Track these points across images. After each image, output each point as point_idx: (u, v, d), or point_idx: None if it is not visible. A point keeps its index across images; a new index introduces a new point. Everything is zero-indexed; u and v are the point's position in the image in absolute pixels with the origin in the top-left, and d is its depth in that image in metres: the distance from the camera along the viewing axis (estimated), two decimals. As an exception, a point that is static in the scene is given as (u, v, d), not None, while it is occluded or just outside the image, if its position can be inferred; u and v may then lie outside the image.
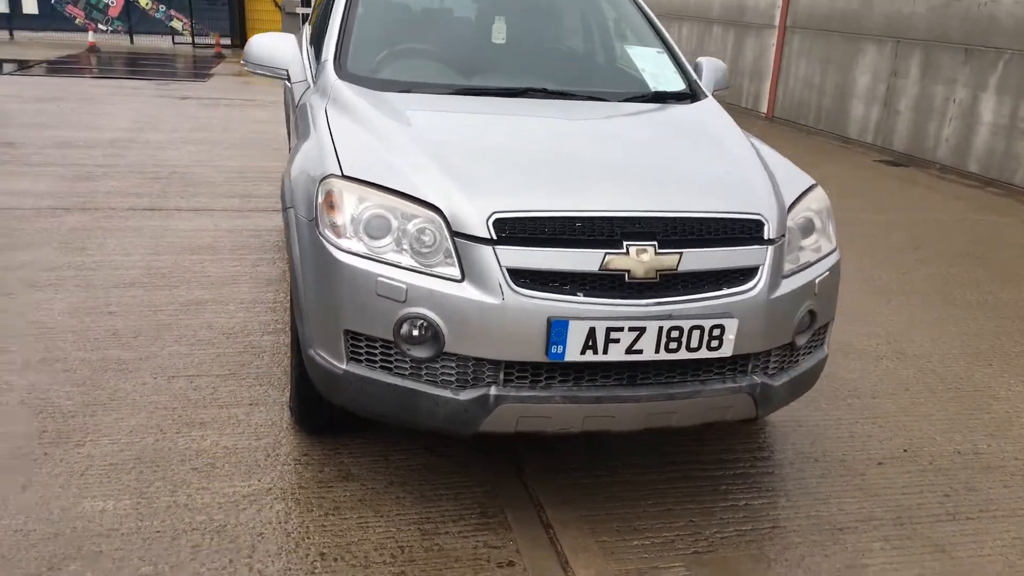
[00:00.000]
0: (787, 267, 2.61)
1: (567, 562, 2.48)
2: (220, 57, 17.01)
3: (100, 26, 18.49)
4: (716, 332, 2.40)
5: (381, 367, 2.45)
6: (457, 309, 2.32)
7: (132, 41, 18.63)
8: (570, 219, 2.37)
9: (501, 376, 2.36)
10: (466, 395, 2.36)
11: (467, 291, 2.32)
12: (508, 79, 3.42)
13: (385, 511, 2.66)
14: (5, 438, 2.91)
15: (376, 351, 2.44)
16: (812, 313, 2.65)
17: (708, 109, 3.40)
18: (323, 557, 2.43)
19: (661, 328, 2.35)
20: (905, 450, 3.24)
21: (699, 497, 2.85)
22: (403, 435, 3.03)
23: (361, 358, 2.46)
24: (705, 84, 3.76)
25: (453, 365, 2.38)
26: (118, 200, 5.94)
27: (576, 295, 2.33)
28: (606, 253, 2.35)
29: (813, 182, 2.91)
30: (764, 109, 12.53)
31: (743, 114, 12.69)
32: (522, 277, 2.32)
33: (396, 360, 2.42)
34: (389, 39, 3.57)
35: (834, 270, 2.77)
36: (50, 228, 5.21)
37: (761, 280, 2.49)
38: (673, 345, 2.38)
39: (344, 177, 2.51)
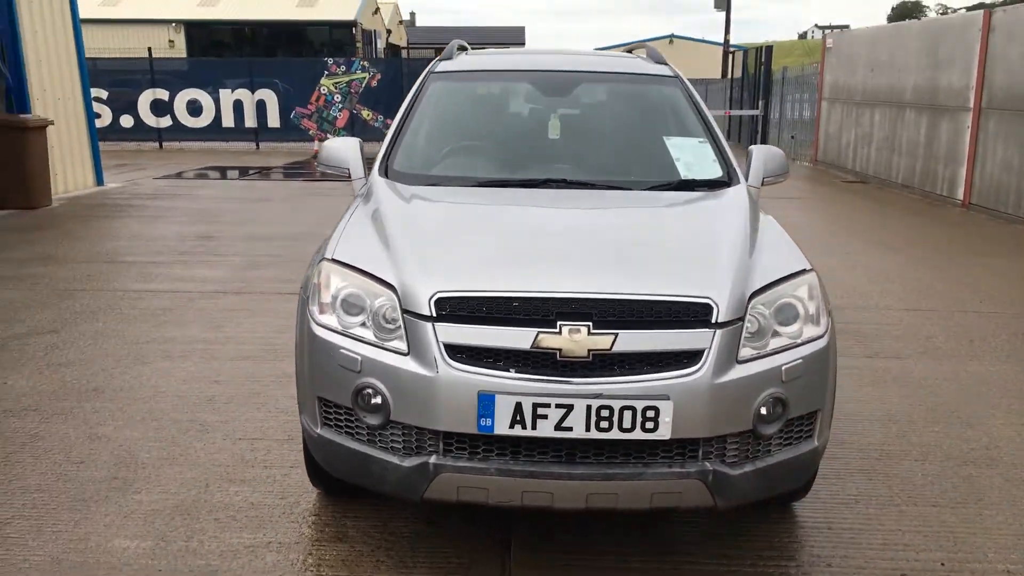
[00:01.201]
0: (748, 352, 2.55)
1: (507, 638, 2.51)
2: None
3: (328, 136, 20.80)
4: (650, 414, 2.40)
5: (345, 432, 2.67)
6: (400, 380, 2.51)
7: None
8: (506, 299, 2.50)
9: (440, 446, 2.50)
10: (409, 462, 2.52)
11: (409, 364, 2.50)
12: (535, 172, 3.61)
13: (358, 571, 2.83)
14: (85, 481, 3.42)
15: (341, 417, 2.67)
16: (780, 401, 2.55)
17: (728, 195, 3.39)
18: (284, 607, 2.64)
19: (590, 407, 2.39)
20: (943, 564, 2.94)
21: (677, 589, 2.76)
22: (406, 505, 3.19)
23: (331, 423, 2.71)
24: (753, 172, 3.75)
25: (399, 433, 2.55)
26: (271, 285, 6.69)
27: (508, 371, 2.44)
28: (539, 332, 2.45)
29: (805, 267, 2.82)
30: (960, 196, 11.65)
31: (937, 202, 11.88)
32: (458, 352, 2.47)
33: (355, 426, 2.63)
34: (439, 136, 3.91)
35: (818, 357, 2.66)
36: (205, 308, 5.99)
37: (705, 364, 2.46)
38: (604, 424, 2.41)
39: (333, 260, 2.82)
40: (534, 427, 2.41)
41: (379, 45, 43.61)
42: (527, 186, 3.47)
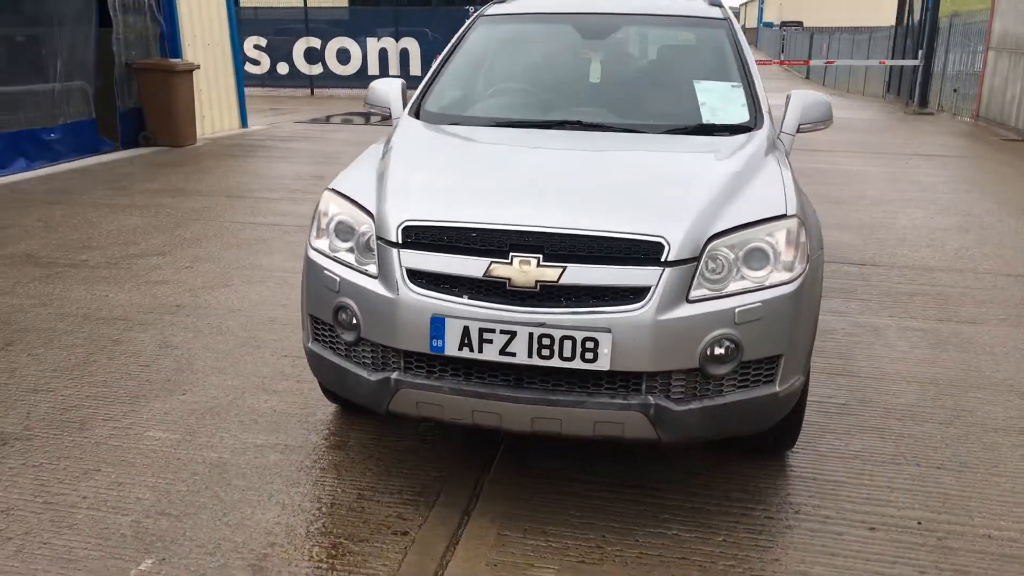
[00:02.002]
0: (702, 292, 2.58)
1: (455, 544, 2.71)
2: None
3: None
4: (589, 345, 2.50)
5: (329, 347, 2.93)
6: (368, 301, 2.72)
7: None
8: (465, 229, 2.65)
9: (402, 363, 2.70)
10: (375, 376, 2.74)
11: (376, 287, 2.71)
12: (556, 113, 3.69)
13: (346, 475, 3.10)
14: (144, 381, 3.87)
15: (326, 333, 2.92)
16: (732, 342, 2.57)
17: (739, 140, 3.34)
18: (270, 497, 2.95)
19: (532, 334, 2.52)
20: (919, 523, 2.87)
21: (631, 520, 2.85)
22: (411, 423, 3.43)
23: (319, 338, 2.97)
24: (788, 119, 3.67)
25: (369, 350, 2.78)
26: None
27: (461, 297, 2.60)
28: (492, 262, 2.58)
29: (784, 212, 2.78)
30: None
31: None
32: (419, 277, 2.65)
33: (335, 342, 2.88)
34: (474, 77, 4.04)
35: (781, 302, 2.64)
36: (294, 241, 6.44)
37: (650, 300, 2.52)
38: (545, 352, 2.53)
39: (332, 190, 3.05)
40: (480, 351, 2.56)
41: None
42: (544, 127, 3.56)
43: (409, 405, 2.72)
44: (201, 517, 2.83)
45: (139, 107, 10.93)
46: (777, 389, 2.72)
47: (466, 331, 2.56)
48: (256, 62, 21.63)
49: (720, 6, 4.22)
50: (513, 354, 2.55)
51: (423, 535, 2.75)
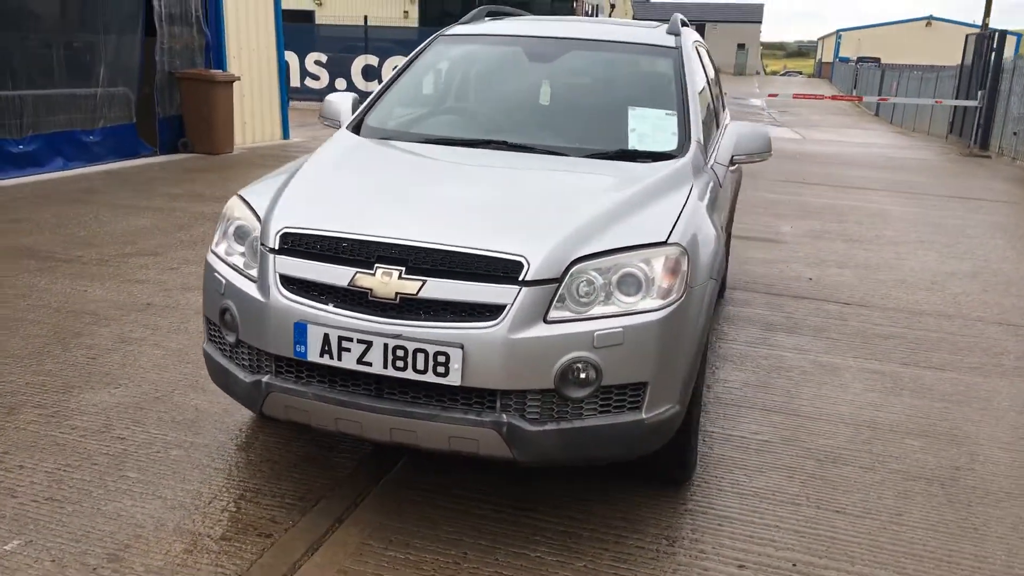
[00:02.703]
0: (563, 313, 2.58)
1: (314, 549, 2.75)
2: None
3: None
4: (441, 359, 2.52)
5: (217, 347, 3.01)
6: (245, 304, 2.80)
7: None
8: (336, 239, 2.70)
9: (273, 367, 2.77)
10: (250, 379, 2.81)
11: (253, 290, 2.79)
12: (485, 133, 3.72)
13: (236, 476, 3.17)
14: (86, 373, 4.02)
15: (215, 334, 3.01)
16: (591, 366, 2.56)
17: (659, 166, 3.32)
18: (156, 491, 3.03)
19: (387, 345, 2.56)
20: (794, 564, 2.80)
21: (501, 539, 2.85)
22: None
23: (211, 338, 3.06)
24: (721, 149, 3.65)
25: (246, 352, 2.85)
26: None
27: (326, 305, 2.65)
28: (357, 272, 2.63)
29: (662, 240, 2.76)
30: None
31: None
32: (290, 283, 2.72)
33: (221, 342, 2.96)
34: (418, 95, 4.11)
35: (645, 329, 2.62)
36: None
37: (505, 319, 2.53)
38: (399, 364, 2.56)
39: (239, 196, 3.15)
40: (339, 358, 2.61)
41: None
42: (470, 145, 3.59)
43: (279, 409, 2.77)
44: (83, 505, 2.93)
45: (180, 114, 11.33)
46: (643, 417, 2.69)
47: (326, 338, 2.61)
48: (316, 77, 22.23)
49: (677, 34, 4.21)
50: (370, 364, 2.59)
51: (286, 539, 2.80)
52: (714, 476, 3.35)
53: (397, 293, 2.58)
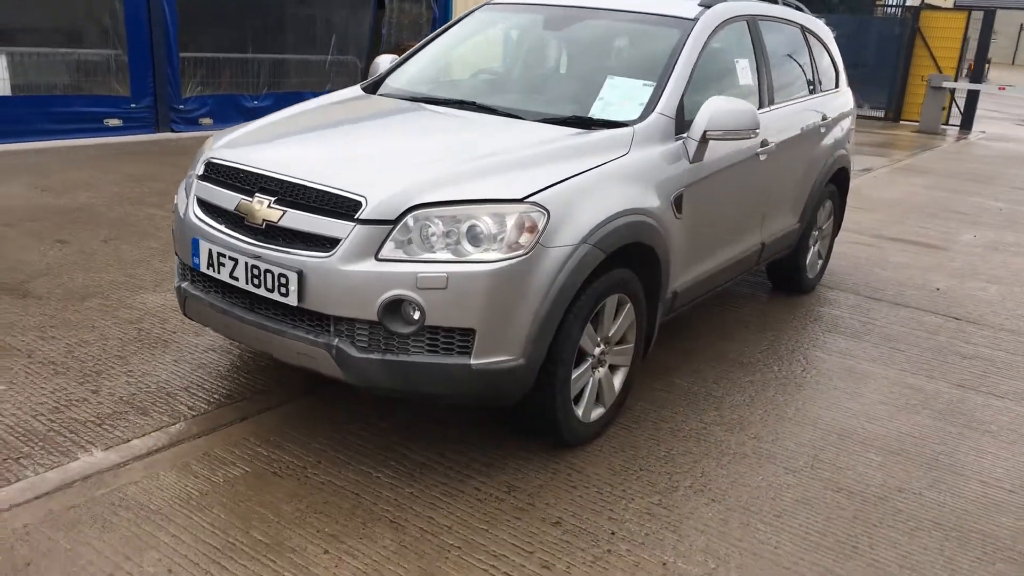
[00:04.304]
0: (396, 253, 2.77)
1: (204, 434, 3.21)
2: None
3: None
4: (283, 280, 2.85)
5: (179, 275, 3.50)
6: (176, 221, 3.31)
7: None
8: (235, 169, 3.11)
9: (190, 276, 3.25)
10: (177, 284, 3.32)
11: (181, 210, 3.28)
12: (463, 94, 3.89)
13: (193, 370, 3.72)
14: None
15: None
16: (414, 304, 2.74)
17: (599, 134, 3.34)
18: (129, 375, 3.67)
19: (247, 263, 2.93)
20: (613, 533, 2.79)
21: (358, 456, 3.12)
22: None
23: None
24: (695, 124, 3.56)
25: (178, 263, 3.36)
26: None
27: (217, 224, 3.08)
28: (241, 198, 3.02)
29: (518, 197, 2.84)
30: None
31: None
32: (202, 205, 3.18)
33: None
34: (437, 59, 4.37)
35: (473, 278, 2.73)
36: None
37: (338, 251, 2.78)
38: (256, 281, 2.92)
39: (212, 137, 3.65)
40: (218, 272, 3.03)
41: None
42: (440, 104, 3.82)
43: (194, 313, 3.26)
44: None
45: (401, 82, 12.40)
46: (471, 362, 2.81)
47: (210, 253, 3.04)
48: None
49: (708, 7, 4.07)
50: (237, 279, 2.98)
51: (190, 421, 3.29)
52: (601, 444, 3.34)
53: (264, 220, 2.94)
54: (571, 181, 3.01)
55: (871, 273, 6.20)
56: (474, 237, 2.80)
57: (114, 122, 9.40)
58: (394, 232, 2.78)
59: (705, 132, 3.54)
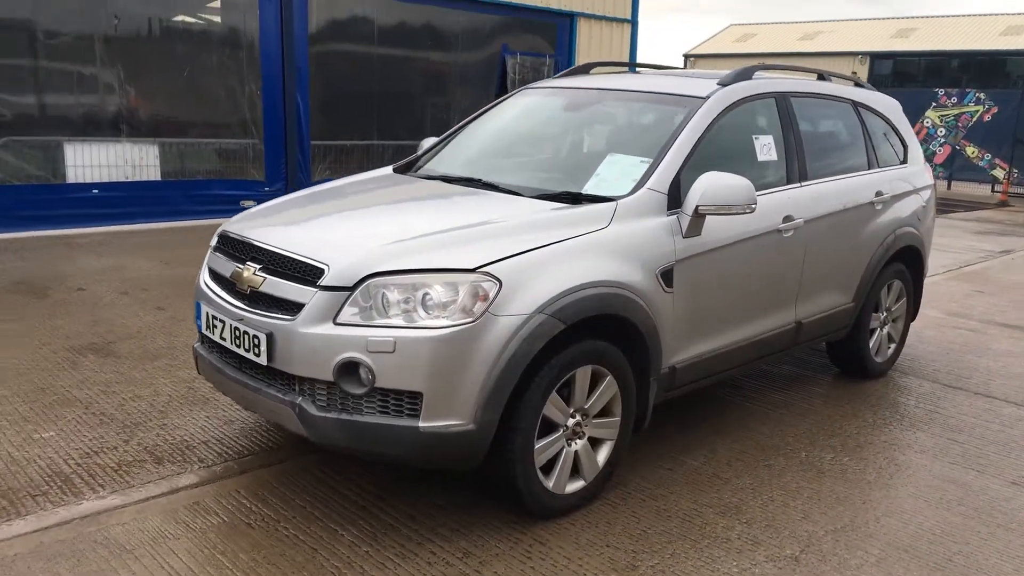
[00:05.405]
0: (354, 318, 2.95)
1: (204, 483, 3.46)
2: (1003, 205, 16.24)
3: (923, 172, 19.44)
4: (256, 341, 3.09)
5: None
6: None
7: (949, 187, 19.06)
8: (236, 240, 3.42)
9: (200, 337, 3.57)
10: (194, 345, 3.65)
11: (199, 278, 3.63)
12: (471, 172, 4.06)
13: (216, 426, 4.02)
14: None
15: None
16: (366, 367, 2.89)
17: (563, 208, 3.40)
18: (166, 426, 4.02)
19: (232, 326, 3.20)
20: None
21: (330, 515, 3.26)
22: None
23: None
24: (688, 198, 3.57)
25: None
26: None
27: (216, 289, 3.39)
28: (236, 266, 3.32)
29: (470, 267, 2.95)
30: None
31: None
32: (210, 272, 3.51)
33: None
34: (465, 140, 4.60)
35: (417, 344, 2.84)
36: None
37: (301, 315, 2.99)
38: (237, 342, 3.18)
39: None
40: (212, 332, 3.32)
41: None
42: (450, 182, 4.02)
43: (203, 371, 3.56)
44: (113, 422, 4.02)
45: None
46: (419, 424, 2.92)
47: (207, 316, 3.35)
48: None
49: (726, 85, 4.09)
50: (225, 339, 3.25)
51: (197, 471, 3.55)
52: (576, 518, 3.31)
53: (249, 286, 3.21)
54: (533, 253, 3.10)
55: (961, 360, 5.76)
56: (428, 304, 2.94)
57: (249, 203, 10.28)
58: (352, 297, 2.97)
59: (697, 207, 3.53)
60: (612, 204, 3.46)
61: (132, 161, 9.44)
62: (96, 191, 9.17)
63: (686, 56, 47.34)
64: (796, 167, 4.34)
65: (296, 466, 3.67)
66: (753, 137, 4.15)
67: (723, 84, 4.11)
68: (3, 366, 4.69)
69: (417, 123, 12.13)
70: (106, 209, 9.15)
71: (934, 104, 19.31)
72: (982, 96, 18.80)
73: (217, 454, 3.74)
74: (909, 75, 40.27)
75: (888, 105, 5.29)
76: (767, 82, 4.34)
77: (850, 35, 42.64)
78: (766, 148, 4.19)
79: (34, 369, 4.67)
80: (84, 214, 8.98)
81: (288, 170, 10.59)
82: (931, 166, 18.27)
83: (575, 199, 3.58)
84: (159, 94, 9.73)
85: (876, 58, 40.70)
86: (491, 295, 2.94)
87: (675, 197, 3.61)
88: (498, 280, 2.96)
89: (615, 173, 3.72)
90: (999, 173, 18.42)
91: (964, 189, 18.84)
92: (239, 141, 10.36)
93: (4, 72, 8.54)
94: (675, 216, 3.59)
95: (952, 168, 19.12)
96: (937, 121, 19.31)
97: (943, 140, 19.23)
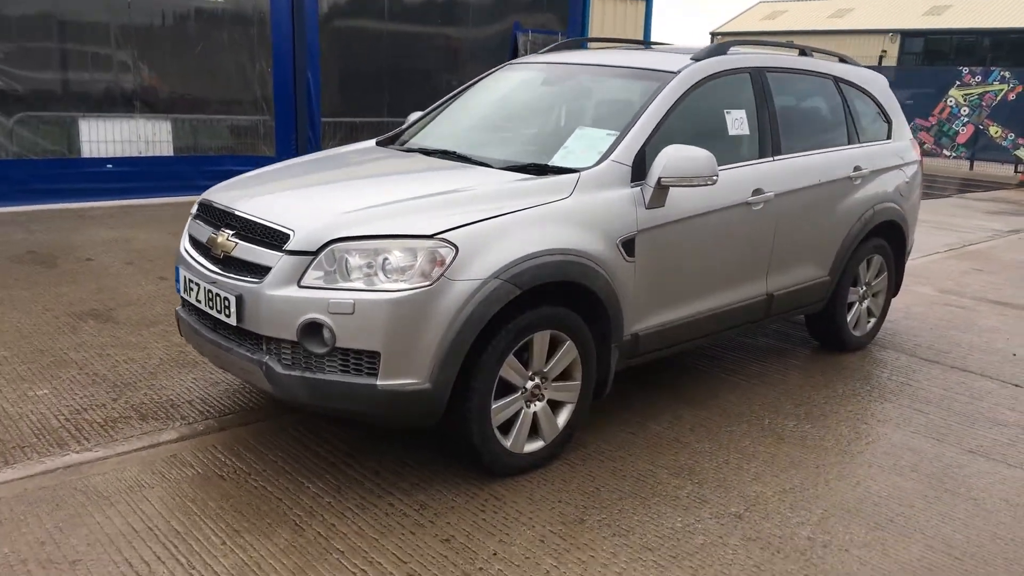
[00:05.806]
0: (315, 281, 3.09)
1: (185, 438, 3.65)
2: (1022, 186, 16.03)
3: (945, 151, 19.26)
4: (226, 303, 3.26)
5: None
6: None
7: (971, 167, 18.85)
8: (213, 207, 3.59)
9: (181, 301, 3.75)
10: (176, 309, 3.83)
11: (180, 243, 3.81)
12: (446, 144, 4.19)
13: (206, 387, 4.21)
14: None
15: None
16: (326, 327, 3.05)
17: (545, 180, 3.52)
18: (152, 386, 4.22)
19: (206, 288, 3.37)
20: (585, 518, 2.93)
21: (300, 470, 3.44)
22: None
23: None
24: (651, 170, 3.67)
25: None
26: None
27: (194, 254, 3.56)
28: (212, 232, 3.49)
29: (427, 233, 3.09)
30: None
31: None
32: (190, 238, 3.68)
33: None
34: (446, 114, 4.73)
35: (375, 306, 2.99)
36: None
37: (267, 278, 3.15)
38: (210, 303, 3.36)
39: None
40: (188, 295, 3.50)
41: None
42: (426, 154, 4.16)
43: (184, 334, 3.74)
44: (105, 382, 4.23)
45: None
46: (376, 383, 3.07)
47: (184, 279, 3.53)
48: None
49: (699, 60, 4.17)
50: (200, 301, 3.43)
51: (180, 426, 3.75)
52: (533, 476, 3.46)
53: (222, 250, 3.38)
54: (492, 221, 3.23)
55: (944, 335, 5.81)
56: (388, 269, 3.09)
57: (260, 179, 10.51)
58: (316, 261, 3.12)
59: (660, 179, 3.64)
60: (575, 175, 3.57)
61: (145, 137, 9.67)
62: (110, 166, 9.41)
63: (712, 34, 46.88)
64: (769, 141, 4.42)
65: (274, 425, 3.85)
66: (725, 111, 4.23)
67: (696, 59, 4.19)
68: (6, 329, 4.92)
69: (428, 100, 12.14)
70: (119, 183, 9.39)
71: (958, 83, 19.04)
72: (1007, 75, 18.49)
73: (200, 412, 3.93)
74: (940, 53, 39.58)
75: (872, 80, 5.33)
76: (742, 57, 4.41)
77: (882, 12, 41.93)
78: (738, 122, 4.27)
79: (36, 333, 4.89)
80: (98, 188, 9.22)
81: (299, 147, 10.76)
82: (954, 145, 18.04)
83: (541, 170, 3.70)
84: (172, 71, 9.92)
85: (907, 36, 40.04)
86: (447, 260, 3.07)
87: (640, 169, 3.71)
88: (455, 246, 3.10)
89: (582, 146, 3.83)
90: (1023, 153, 18.16)
91: (987, 169, 18.63)
92: (250, 118, 10.54)
93: (21, 50, 8.77)
94: (639, 188, 3.69)
95: (975, 148, 18.88)
96: (961, 100, 19.04)
97: (966, 119, 18.97)
